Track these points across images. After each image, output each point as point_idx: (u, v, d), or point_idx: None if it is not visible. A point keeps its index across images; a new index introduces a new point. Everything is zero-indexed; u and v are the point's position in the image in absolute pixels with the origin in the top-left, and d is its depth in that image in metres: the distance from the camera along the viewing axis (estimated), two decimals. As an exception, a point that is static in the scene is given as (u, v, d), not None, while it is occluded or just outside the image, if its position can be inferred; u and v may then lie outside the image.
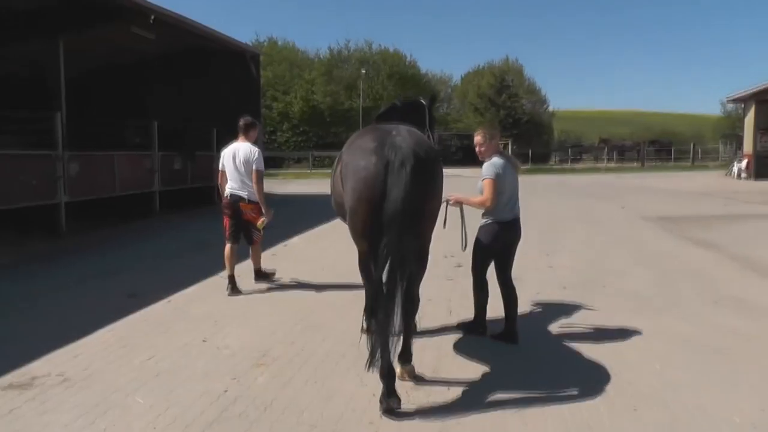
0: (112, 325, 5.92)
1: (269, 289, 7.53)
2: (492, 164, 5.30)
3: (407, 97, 6.64)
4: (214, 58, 19.10)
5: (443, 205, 5.07)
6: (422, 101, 6.08)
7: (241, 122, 7.47)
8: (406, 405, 4.05)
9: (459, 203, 5.39)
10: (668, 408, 4.08)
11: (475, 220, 5.43)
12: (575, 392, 4.32)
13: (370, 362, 4.00)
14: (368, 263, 4.39)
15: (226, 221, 7.51)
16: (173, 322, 6.09)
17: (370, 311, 4.17)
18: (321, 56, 59.99)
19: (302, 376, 4.65)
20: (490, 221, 5.37)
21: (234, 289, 7.29)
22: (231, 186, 7.36)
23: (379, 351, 3.98)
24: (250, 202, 7.33)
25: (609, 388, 4.40)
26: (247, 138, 7.43)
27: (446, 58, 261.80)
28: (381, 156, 4.11)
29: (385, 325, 3.96)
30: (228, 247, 7.41)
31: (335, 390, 4.37)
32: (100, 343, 5.43)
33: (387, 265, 3.96)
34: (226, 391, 4.36)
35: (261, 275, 7.88)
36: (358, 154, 4.31)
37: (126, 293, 7.21)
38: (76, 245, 11.03)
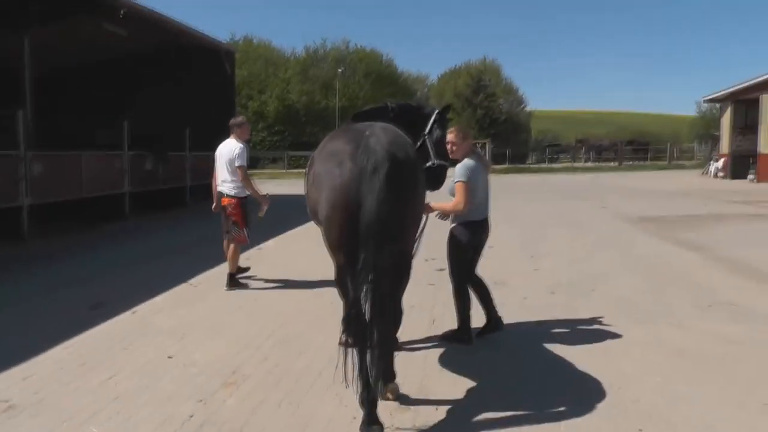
0: (70, 341, 5.46)
1: (241, 297, 7.11)
2: (464, 166, 5.14)
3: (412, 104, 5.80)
4: (188, 56, 18.46)
5: None
6: (425, 111, 5.44)
7: (231, 121, 7.67)
8: (390, 431, 3.68)
9: (430, 211, 5.08)
10: (677, 429, 3.74)
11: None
12: (574, 411, 3.97)
13: (345, 379, 3.60)
14: (345, 277, 4.00)
15: (222, 218, 7.74)
16: (137, 337, 5.64)
17: (347, 324, 3.80)
18: (297, 55, 59.54)
19: (275, 397, 4.25)
20: (461, 222, 5.20)
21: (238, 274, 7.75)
22: (219, 183, 7.55)
23: (355, 372, 3.61)
24: (227, 196, 7.42)
25: (609, 406, 4.06)
26: (236, 136, 7.50)
27: (423, 58, 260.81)
28: (354, 160, 3.75)
29: (363, 346, 3.59)
30: (225, 242, 7.68)
31: (311, 413, 3.98)
32: (56, 362, 4.96)
33: (365, 279, 3.59)
34: (191, 416, 3.95)
35: (233, 282, 7.51)
36: (330, 160, 3.97)
37: (88, 304, 6.73)
38: (39, 251, 10.46)
